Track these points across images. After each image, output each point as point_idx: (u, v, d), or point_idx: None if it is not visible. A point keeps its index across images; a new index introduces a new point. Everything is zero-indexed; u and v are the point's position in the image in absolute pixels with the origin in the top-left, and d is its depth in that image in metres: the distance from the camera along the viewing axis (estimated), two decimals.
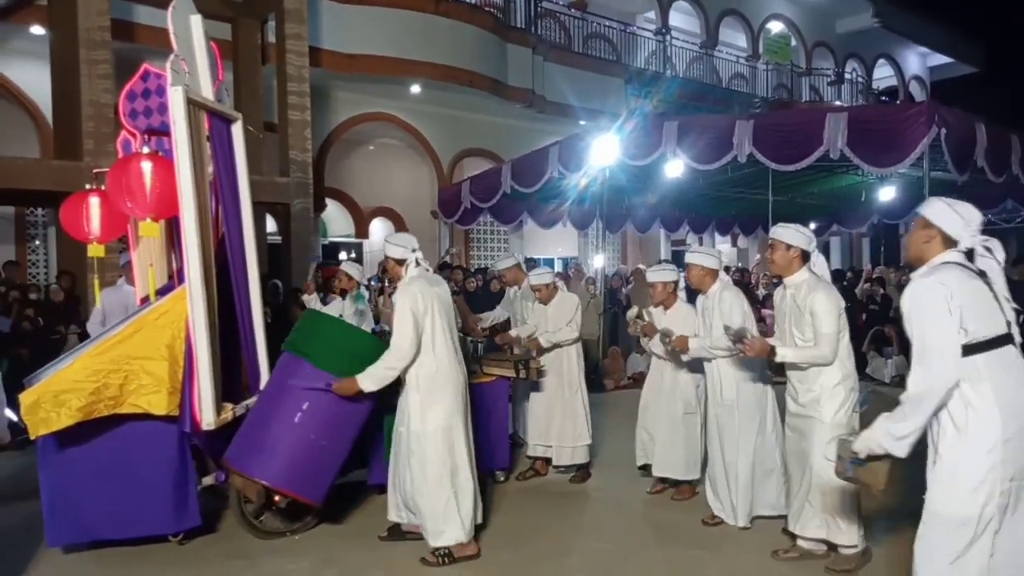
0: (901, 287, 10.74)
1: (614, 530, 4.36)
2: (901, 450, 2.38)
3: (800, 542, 3.81)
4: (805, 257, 3.69)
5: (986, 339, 2.36)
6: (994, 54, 25.16)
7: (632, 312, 4.91)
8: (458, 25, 12.23)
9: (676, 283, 4.84)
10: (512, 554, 3.98)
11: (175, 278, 4.71)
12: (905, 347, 9.87)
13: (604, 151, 8.55)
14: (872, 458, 2.46)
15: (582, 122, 14.39)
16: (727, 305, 4.17)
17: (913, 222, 2.60)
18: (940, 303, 2.34)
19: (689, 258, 4.40)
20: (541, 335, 5.24)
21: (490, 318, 6.10)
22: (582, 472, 5.38)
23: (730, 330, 3.70)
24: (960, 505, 2.34)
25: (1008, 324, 2.42)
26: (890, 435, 2.38)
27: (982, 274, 2.45)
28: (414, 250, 3.93)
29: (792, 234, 3.68)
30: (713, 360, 4.29)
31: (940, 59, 24.62)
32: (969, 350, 2.34)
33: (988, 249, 2.47)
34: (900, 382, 8.97)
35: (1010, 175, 7.53)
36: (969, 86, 24.08)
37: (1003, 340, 2.39)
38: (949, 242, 2.48)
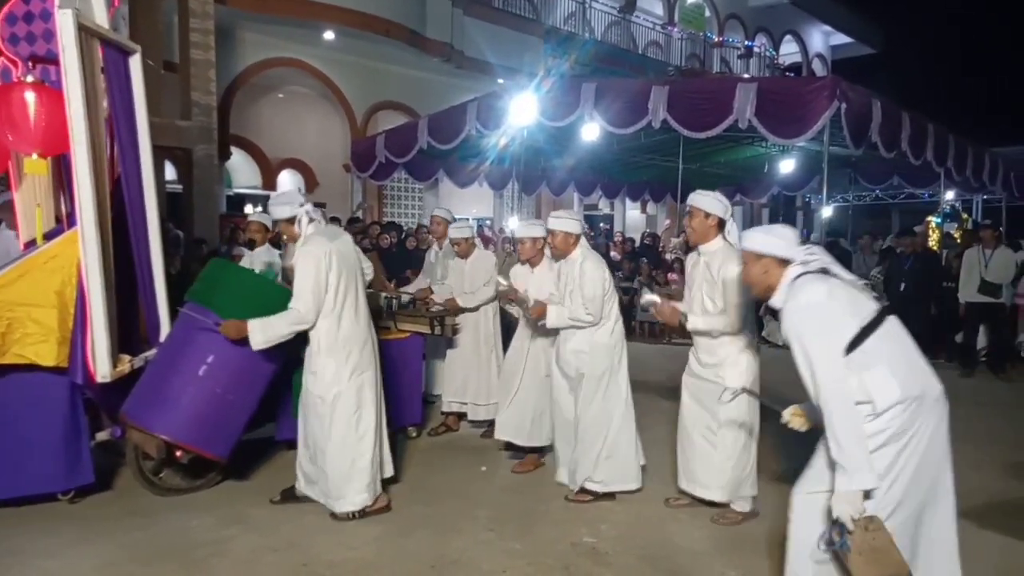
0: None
1: (524, 483, 4.45)
2: (870, 480, 2.28)
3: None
4: (721, 225, 3.73)
5: (869, 321, 2.42)
6: (892, 37, 26.58)
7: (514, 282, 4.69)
8: None
9: (544, 240, 4.52)
10: (424, 507, 4.00)
11: (64, 221, 4.37)
12: None
13: (522, 110, 8.51)
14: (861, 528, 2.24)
15: (500, 80, 14.22)
16: (588, 276, 3.99)
17: (743, 259, 2.66)
18: (822, 326, 2.37)
19: (552, 223, 4.15)
20: (459, 296, 5.22)
21: (414, 287, 5.96)
22: (493, 427, 5.44)
23: (643, 295, 3.76)
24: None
25: (876, 299, 2.53)
26: (857, 481, 2.26)
27: (824, 271, 2.51)
28: (302, 204, 3.71)
29: (711, 202, 3.70)
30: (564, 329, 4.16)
31: (841, 39, 25.75)
32: (856, 342, 2.39)
33: (815, 254, 2.54)
34: None
35: (899, 152, 8.00)
36: (866, 66, 25.34)
37: (879, 318, 2.45)
38: (784, 263, 2.54)
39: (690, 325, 3.66)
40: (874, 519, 2.26)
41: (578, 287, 4.02)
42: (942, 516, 2.48)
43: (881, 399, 2.36)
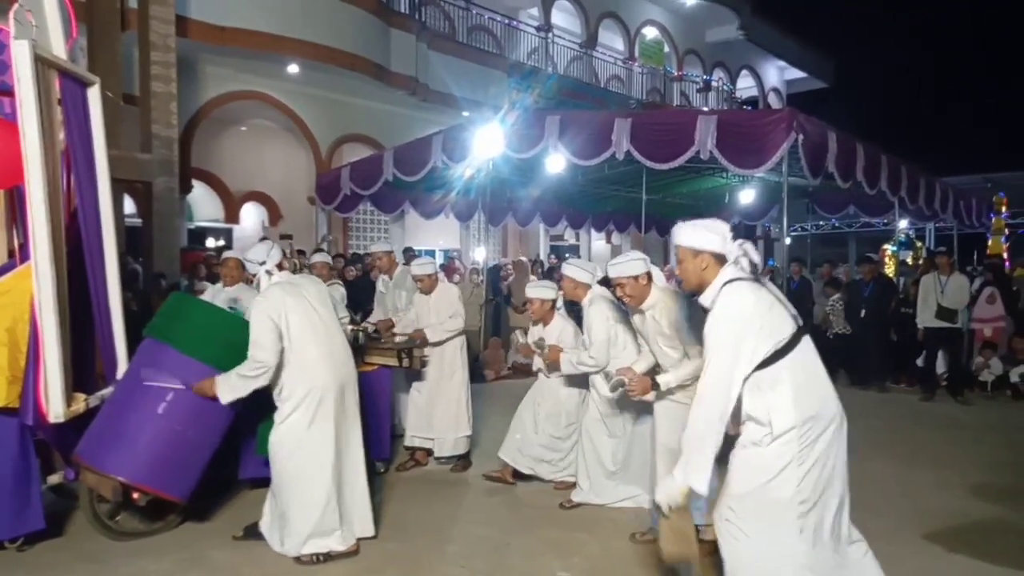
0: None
1: (495, 516, 4.37)
2: (701, 487, 2.46)
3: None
4: (649, 278, 3.70)
5: (784, 344, 2.47)
6: (842, 72, 27.60)
7: (531, 338, 4.85)
8: (339, 5, 11.82)
9: (553, 301, 4.78)
10: (394, 544, 3.89)
11: (17, 256, 4.23)
12: None
13: (488, 142, 8.57)
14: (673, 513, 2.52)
15: (465, 113, 14.34)
16: (590, 320, 4.24)
17: (677, 256, 2.69)
18: (737, 338, 2.43)
19: (564, 270, 4.51)
20: (427, 328, 5.17)
21: (373, 319, 5.94)
22: (463, 461, 5.36)
23: (609, 379, 3.78)
24: (766, 486, 2.45)
25: (794, 317, 2.56)
26: (690, 480, 2.45)
27: (756, 279, 2.57)
28: (262, 263, 3.80)
29: (635, 264, 3.65)
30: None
31: (796, 73, 26.66)
32: (773, 358, 2.44)
33: (746, 252, 2.59)
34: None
35: (855, 182, 8.23)
36: (819, 100, 26.19)
37: (796, 337, 2.51)
38: (721, 260, 2.61)
39: (664, 386, 3.58)
40: (685, 509, 2.56)
41: (586, 332, 4.25)
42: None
43: (778, 423, 2.44)
